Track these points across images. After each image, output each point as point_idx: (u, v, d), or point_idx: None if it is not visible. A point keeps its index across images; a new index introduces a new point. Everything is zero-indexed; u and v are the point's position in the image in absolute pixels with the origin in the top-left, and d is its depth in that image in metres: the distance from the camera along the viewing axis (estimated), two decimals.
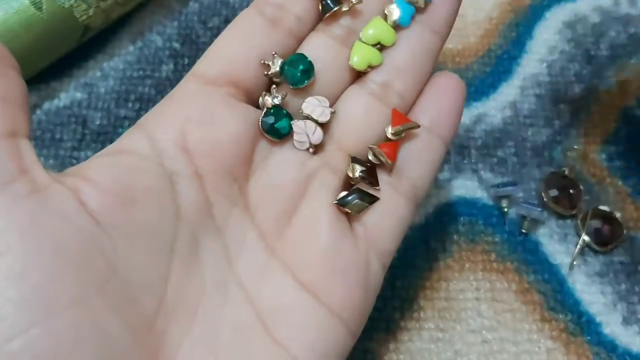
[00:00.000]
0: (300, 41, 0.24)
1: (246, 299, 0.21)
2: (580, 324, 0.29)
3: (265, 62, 0.22)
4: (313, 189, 0.22)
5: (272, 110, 0.22)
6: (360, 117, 0.23)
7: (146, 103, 0.32)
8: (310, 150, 0.22)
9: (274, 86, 0.23)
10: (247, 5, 0.35)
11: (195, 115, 0.21)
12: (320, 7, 0.23)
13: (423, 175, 0.23)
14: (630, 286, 0.30)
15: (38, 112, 0.31)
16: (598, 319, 0.29)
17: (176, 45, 0.34)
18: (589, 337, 0.29)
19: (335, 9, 0.23)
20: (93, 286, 0.18)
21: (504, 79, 0.34)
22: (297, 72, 0.22)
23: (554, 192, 0.31)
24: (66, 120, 0.31)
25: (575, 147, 0.33)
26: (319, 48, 0.23)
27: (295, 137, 0.22)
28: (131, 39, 0.34)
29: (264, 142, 0.22)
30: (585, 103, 0.34)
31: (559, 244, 0.30)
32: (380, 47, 0.24)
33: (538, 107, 0.34)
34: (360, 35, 0.23)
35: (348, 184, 0.23)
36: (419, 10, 0.24)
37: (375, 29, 0.23)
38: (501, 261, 0.30)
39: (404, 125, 0.23)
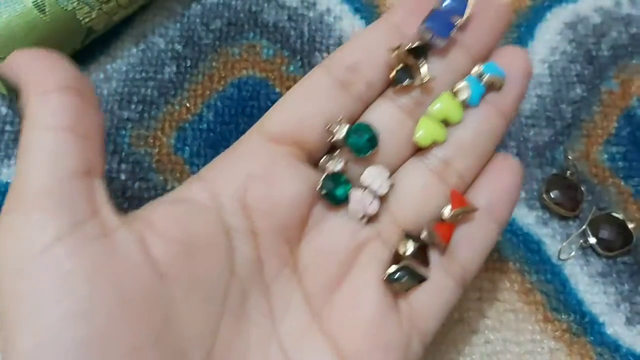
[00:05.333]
0: (367, 105, 0.24)
1: None
2: (583, 324, 0.29)
3: (331, 128, 0.22)
4: (363, 260, 0.22)
5: (332, 176, 0.22)
6: (418, 193, 0.23)
7: (149, 105, 0.32)
8: (364, 220, 0.22)
9: (337, 151, 0.23)
10: (250, 9, 0.35)
11: (257, 172, 0.22)
12: (392, 75, 0.23)
13: (474, 259, 0.23)
14: (634, 286, 0.30)
15: None
16: (601, 319, 0.29)
17: (178, 47, 0.34)
18: (592, 338, 0.28)
19: (407, 82, 0.23)
20: (149, 337, 0.18)
21: None
22: (362, 142, 0.22)
23: (555, 193, 0.31)
24: None
25: (577, 147, 0.33)
26: (385, 117, 0.23)
27: (351, 205, 0.22)
28: (134, 41, 0.34)
29: (320, 205, 0.22)
30: (586, 103, 0.34)
31: (561, 245, 0.30)
32: (446, 122, 0.23)
33: (540, 108, 0.34)
34: (428, 110, 0.23)
35: (398, 258, 0.22)
36: (491, 88, 0.24)
37: (443, 105, 0.23)
38: (504, 261, 0.30)
39: (462, 209, 0.22)
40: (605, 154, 0.33)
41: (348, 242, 0.22)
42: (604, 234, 0.30)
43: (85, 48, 0.32)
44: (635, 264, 0.30)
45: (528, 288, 0.29)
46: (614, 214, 0.31)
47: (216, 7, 0.35)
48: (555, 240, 0.31)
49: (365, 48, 0.23)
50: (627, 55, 0.36)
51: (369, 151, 0.22)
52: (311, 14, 0.35)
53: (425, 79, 0.23)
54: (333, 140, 0.23)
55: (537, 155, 0.33)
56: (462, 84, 0.23)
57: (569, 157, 0.32)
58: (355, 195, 0.22)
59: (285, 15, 0.35)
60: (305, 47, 0.34)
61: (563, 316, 0.29)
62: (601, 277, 0.30)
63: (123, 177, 0.30)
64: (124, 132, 0.31)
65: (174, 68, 0.33)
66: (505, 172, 0.24)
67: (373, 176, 0.22)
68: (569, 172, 0.32)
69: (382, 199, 0.23)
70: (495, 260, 0.30)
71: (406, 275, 0.22)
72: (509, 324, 0.29)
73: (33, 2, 0.28)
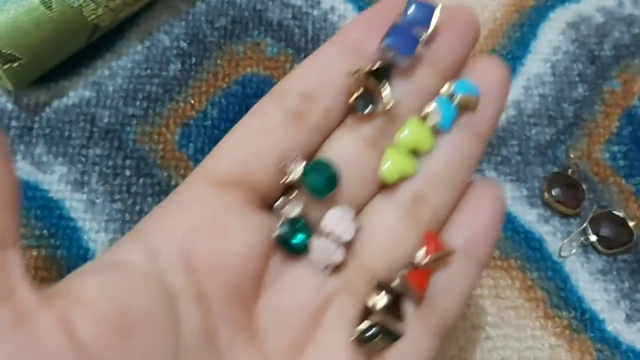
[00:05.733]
0: (325, 136, 0.21)
1: None
2: (584, 321, 0.29)
3: (285, 166, 0.20)
4: (330, 317, 0.20)
5: (289, 223, 0.20)
6: (388, 236, 0.20)
7: (154, 102, 0.32)
8: (329, 270, 0.20)
9: (293, 193, 0.20)
10: (254, 7, 0.35)
11: (203, 226, 0.19)
12: (351, 101, 0.21)
13: (453, 307, 0.21)
14: (634, 284, 0.30)
15: (47, 110, 0.32)
16: (601, 316, 0.29)
17: (183, 44, 0.34)
18: (592, 334, 0.29)
19: (369, 110, 0.20)
20: None
21: None
22: (321, 182, 0.20)
23: (557, 191, 0.31)
24: (75, 118, 0.32)
25: (579, 146, 0.33)
26: (346, 150, 0.21)
27: (312, 254, 0.20)
28: (139, 38, 0.34)
29: (278, 255, 0.20)
30: (588, 103, 0.34)
31: (562, 242, 0.31)
32: (415, 152, 0.21)
33: (542, 107, 0.34)
34: (394, 139, 0.21)
35: (368, 312, 0.20)
36: (464, 109, 0.21)
37: (411, 133, 0.20)
38: (505, 258, 0.30)
39: (438, 254, 0.20)
40: (607, 152, 0.33)
41: (312, 297, 0.20)
42: (605, 231, 0.30)
43: (91, 45, 0.33)
44: (635, 262, 0.30)
45: (529, 285, 0.30)
46: (615, 212, 0.31)
47: (221, 5, 0.35)
48: (556, 237, 0.31)
49: (320, 72, 0.21)
50: (629, 55, 0.36)
51: (329, 192, 0.20)
52: (315, 13, 0.35)
53: (389, 105, 0.20)
54: (288, 180, 0.20)
55: (539, 153, 0.33)
56: (432, 106, 0.21)
57: (571, 155, 0.32)
58: (317, 243, 0.20)
59: (290, 13, 0.35)
60: (309, 46, 0.35)
61: (563, 313, 0.29)
62: (601, 275, 0.30)
63: (128, 173, 0.31)
64: (128, 128, 0.32)
65: (179, 65, 0.34)
66: (485, 202, 0.21)
67: (336, 220, 0.20)
68: (570, 170, 0.32)
69: (348, 244, 0.20)
70: (496, 258, 0.30)
71: (379, 333, 0.19)
72: (510, 320, 0.29)
73: None
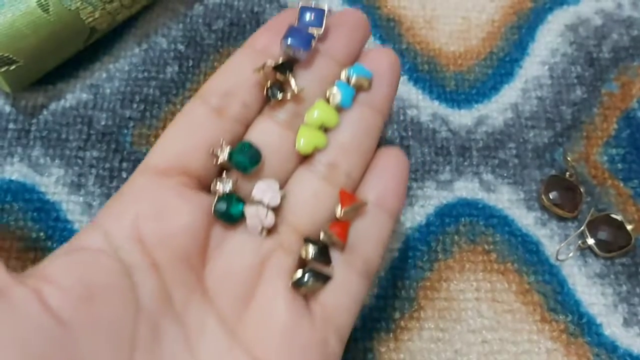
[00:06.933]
0: (247, 126, 0.25)
1: None
2: (581, 325, 0.29)
3: (214, 151, 0.23)
4: (269, 272, 0.23)
5: (224, 197, 0.23)
6: (310, 199, 0.24)
7: (151, 104, 0.32)
8: (264, 233, 0.23)
9: (224, 173, 0.24)
10: (252, 9, 0.35)
11: (148, 210, 0.22)
12: (265, 93, 0.24)
13: (373, 251, 0.24)
14: (631, 288, 0.30)
15: (45, 112, 0.32)
16: (599, 320, 0.29)
17: (181, 47, 0.34)
18: (589, 338, 0.29)
19: (280, 97, 0.24)
20: None
21: (505, 81, 0.35)
22: (245, 160, 0.23)
23: (554, 195, 0.31)
24: (72, 120, 0.32)
25: (577, 149, 0.33)
26: (265, 133, 0.24)
27: (248, 221, 0.23)
28: (136, 41, 0.34)
29: (218, 226, 0.23)
30: (586, 105, 0.34)
31: (559, 245, 0.31)
32: (325, 128, 0.24)
33: (540, 109, 0.34)
34: (305, 119, 0.24)
35: (302, 263, 0.23)
36: (360, 89, 0.25)
37: (319, 112, 0.24)
38: (502, 262, 0.30)
39: (352, 206, 0.23)
40: (605, 155, 0.33)
41: (251, 258, 0.23)
42: (603, 235, 0.30)
43: (88, 48, 0.33)
44: (633, 265, 0.30)
45: (526, 288, 0.29)
46: (613, 215, 0.31)
47: (219, 8, 0.35)
48: (553, 241, 0.31)
49: (235, 73, 0.25)
50: (628, 58, 0.36)
51: (254, 167, 0.23)
52: None
53: (296, 91, 0.24)
54: (219, 163, 0.23)
55: (536, 156, 0.33)
56: (333, 89, 0.24)
57: (569, 158, 0.32)
58: (250, 210, 0.23)
59: None
60: None
61: (561, 317, 0.29)
62: (599, 278, 0.30)
63: (125, 175, 0.31)
64: (125, 131, 0.32)
65: (176, 68, 0.34)
66: (391, 163, 0.25)
67: (263, 190, 0.23)
68: (568, 173, 0.32)
69: (277, 210, 0.23)
70: (493, 261, 0.30)
71: (311, 277, 0.22)
72: (507, 324, 0.29)
73: (37, 1, 0.29)
